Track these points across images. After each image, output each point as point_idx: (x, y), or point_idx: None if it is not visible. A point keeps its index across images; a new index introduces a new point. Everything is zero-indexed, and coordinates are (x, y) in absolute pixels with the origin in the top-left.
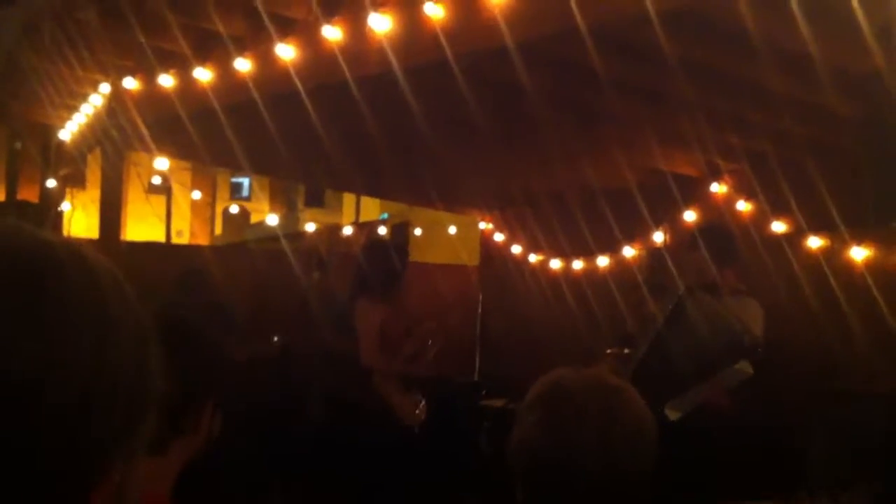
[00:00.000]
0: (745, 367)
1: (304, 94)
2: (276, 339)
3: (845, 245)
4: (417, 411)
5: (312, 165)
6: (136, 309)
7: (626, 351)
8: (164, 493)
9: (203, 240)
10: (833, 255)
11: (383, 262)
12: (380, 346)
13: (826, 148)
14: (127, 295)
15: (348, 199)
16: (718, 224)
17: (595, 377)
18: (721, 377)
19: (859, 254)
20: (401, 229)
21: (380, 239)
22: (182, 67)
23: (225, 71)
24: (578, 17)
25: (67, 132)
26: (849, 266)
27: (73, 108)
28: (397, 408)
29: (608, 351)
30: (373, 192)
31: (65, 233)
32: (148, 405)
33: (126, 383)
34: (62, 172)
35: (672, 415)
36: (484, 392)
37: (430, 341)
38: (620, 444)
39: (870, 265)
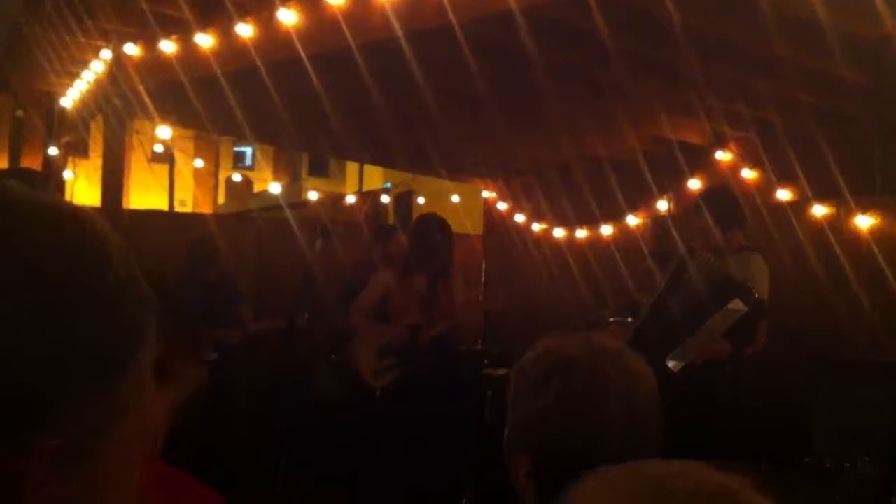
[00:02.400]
0: (737, 305)
1: (306, 61)
2: (306, 316)
3: (850, 213)
4: (379, 376)
5: (316, 134)
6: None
7: (629, 319)
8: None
9: (206, 209)
10: (838, 223)
11: (420, 237)
12: (373, 309)
13: (833, 116)
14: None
15: (352, 168)
16: (722, 187)
17: (605, 346)
18: (715, 319)
19: (864, 222)
20: (404, 199)
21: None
22: (184, 33)
23: (227, 37)
24: None
25: (69, 99)
26: (854, 234)
27: (75, 75)
28: (362, 369)
29: (611, 320)
30: (376, 161)
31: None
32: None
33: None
34: (64, 140)
35: (675, 366)
36: (486, 361)
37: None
38: (642, 414)
39: (875, 233)
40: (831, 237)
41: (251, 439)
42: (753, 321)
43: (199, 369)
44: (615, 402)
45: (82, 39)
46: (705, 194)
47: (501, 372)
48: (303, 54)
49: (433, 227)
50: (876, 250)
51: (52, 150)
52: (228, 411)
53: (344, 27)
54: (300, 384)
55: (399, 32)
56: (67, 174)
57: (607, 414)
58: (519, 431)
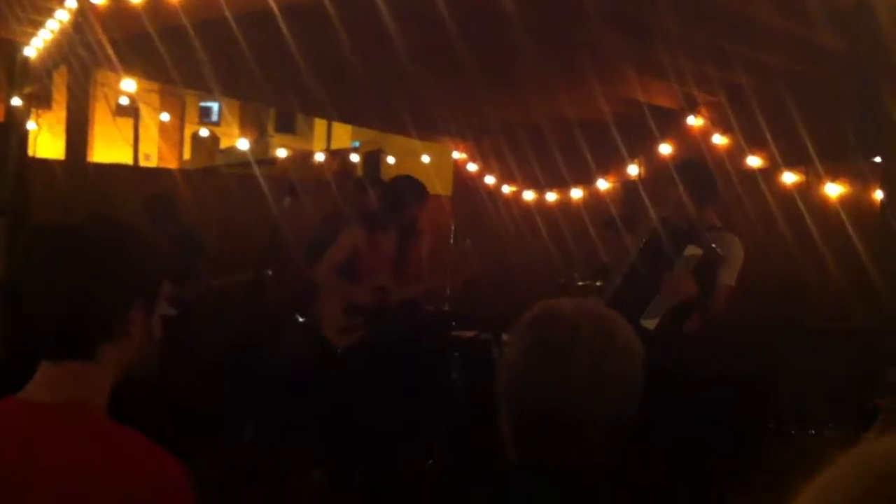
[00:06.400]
0: (692, 250)
1: (277, 13)
2: (269, 272)
3: (820, 180)
4: (344, 335)
5: (285, 89)
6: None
7: (598, 283)
8: (98, 402)
9: (172, 164)
10: (808, 190)
11: (393, 196)
12: (340, 267)
13: (805, 81)
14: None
15: (319, 126)
16: (698, 160)
17: (590, 306)
18: (677, 268)
19: (834, 189)
20: (373, 157)
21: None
22: None
23: None
24: None
25: (33, 49)
26: (823, 201)
27: (39, 24)
28: (326, 326)
29: (579, 283)
30: (346, 119)
31: (30, 153)
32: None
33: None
34: (27, 91)
35: (649, 324)
36: (454, 322)
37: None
38: (612, 375)
39: (844, 201)
40: (801, 204)
41: (212, 396)
42: (711, 269)
43: (156, 321)
44: (581, 359)
45: None
46: (681, 167)
47: (469, 333)
48: (273, 5)
49: (406, 188)
50: (845, 218)
51: (15, 101)
52: (188, 368)
53: None
54: (265, 341)
55: None
56: (30, 125)
57: (571, 368)
58: (499, 381)
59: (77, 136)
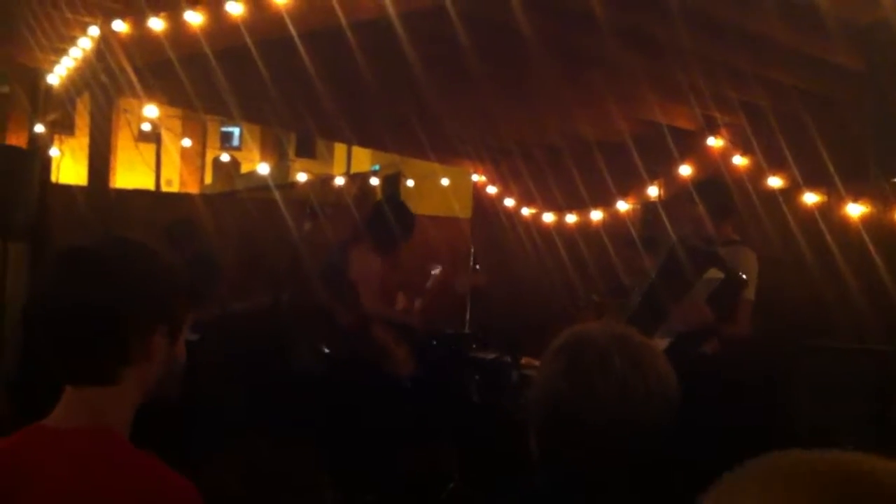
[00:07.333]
0: (714, 273)
1: (297, 40)
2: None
3: (842, 201)
4: (406, 364)
5: (305, 114)
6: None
7: (618, 300)
8: (119, 425)
9: (193, 189)
10: (829, 210)
11: (403, 218)
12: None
13: (824, 101)
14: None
15: (339, 150)
16: (715, 178)
17: (622, 332)
18: (696, 290)
19: (855, 210)
20: (393, 181)
21: (396, 196)
22: (173, 10)
23: (216, 14)
24: None
25: (56, 76)
26: (844, 222)
27: (62, 52)
28: (392, 358)
29: (596, 300)
30: (365, 142)
31: (53, 179)
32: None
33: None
34: (50, 118)
35: (661, 343)
36: (474, 345)
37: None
38: (641, 401)
39: (866, 221)
40: (822, 225)
41: (228, 416)
42: (732, 294)
43: (181, 344)
44: (611, 383)
45: (69, 15)
46: (700, 185)
47: (490, 355)
48: (293, 32)
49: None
50: (866, 238)
51: (39, 128)
52: (206, 389)
53: (335, 4)
54: (281, 360)
55: (391, 10)
56: (54, 152)
57: (600, 390)
58: (531, 403)
59: (100, 162)
